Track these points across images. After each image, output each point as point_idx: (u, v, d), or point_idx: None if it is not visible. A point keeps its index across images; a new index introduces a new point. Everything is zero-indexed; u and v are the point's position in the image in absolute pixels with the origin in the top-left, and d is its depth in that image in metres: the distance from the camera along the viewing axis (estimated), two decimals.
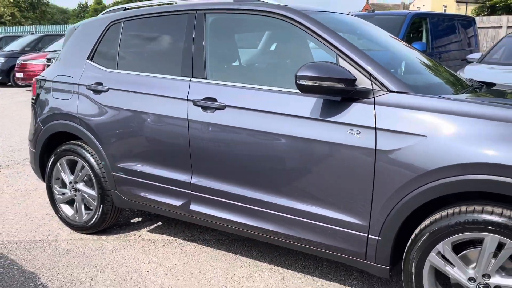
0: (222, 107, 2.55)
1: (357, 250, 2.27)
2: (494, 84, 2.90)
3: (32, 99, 3.59)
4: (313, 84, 2.15)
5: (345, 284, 2.68)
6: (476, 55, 7.09)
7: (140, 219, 3.72)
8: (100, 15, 3.46)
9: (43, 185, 4.50)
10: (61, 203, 3.48)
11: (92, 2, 70.12)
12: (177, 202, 2.82)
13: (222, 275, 2.79)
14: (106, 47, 3.21)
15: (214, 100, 2.59)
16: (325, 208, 2.30)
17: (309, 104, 2.31)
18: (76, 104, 3.18)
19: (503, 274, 1.96)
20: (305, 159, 2.31)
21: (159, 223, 3.61)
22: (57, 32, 21.78)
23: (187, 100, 2.68)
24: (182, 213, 2.85)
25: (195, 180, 2.72)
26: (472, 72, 5.95)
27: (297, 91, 2.28)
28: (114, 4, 66.74)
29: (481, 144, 1.92)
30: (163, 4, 3.10)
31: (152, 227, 3.54)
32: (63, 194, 3.45)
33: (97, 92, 3.09)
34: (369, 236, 2.21)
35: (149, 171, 2.91)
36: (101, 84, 3.08)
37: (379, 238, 2.19)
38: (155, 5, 3.15)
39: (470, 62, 6.93)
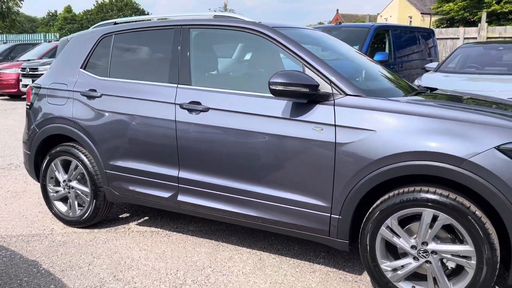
0: (206, 110, 2.95)
1: (322, 228, 2.69)
2: (436, 89, 3.41)
3: (27, 105, 3.89)
4: (283, 89, 2.59)
5: (314, 262, 3.10)
6: (433, 65, 7.73)
7: (128, 214, 4.05)
8: (91, 28, 3.80)
9: (31, 187, 4.78)
10: (55, 200, 3.78)
11: (62, 10, 69.16)
12: (166, 194, 3.19)
13: (206, 258, 3.17)
14: (98, 58, 3.56)
15: (199, 103, 2.98)
16: (296, 194, 2.73)
17: (280, 106, 2.74)
18: (71, 109, 3.51)
19: (438, 241, 2.42)
20: (278, 152, 2.73)
21: (146, 217, 3.95)
22: (29, 41, 21.68)
23: (175, 104, 3.06)
24: (170, 204, 3.22)
25: (182, 174, 3.10)
26: (428, 80, 6.54)
27: (270, 95, 2.71)
28: (85, 13, 66.08)
29: (419, 137, 2.38)
30: (151, 20, 3.48)
31: (140, 220, 3.88)
32: (57, 192, 3.75)
33: (91, 97, 3.43)
34: (332, 215, 2.65)
35: (139, 167, 3.26)
36: (94, 90, 3.43)
37: (340, 217, 2.62)
38: (143, 21, 3.53)
39: (427, 71, 7.56)
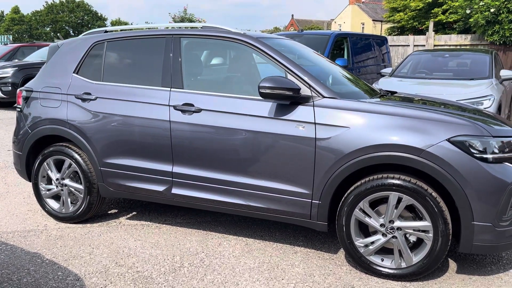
0: (199, 110, 3.30)
1: (304, 213, 3.11)
2: (395, 92, 3.93)
3: (17, 107, 4.06)
4: (270, 92, 2.99)
5: (294, 245, 3.51)
6: (387, 70, 8.40)
7: (116, 210, 4.30)
8: (81, 35, 4.04)
9: (13, 188, 4.90)
10: (47, 198, 3.98)
11: (9, 11, 66.21)
12: (161, 188, 3.50)
13: (198, 245, 3.50)
14: (91, 63, 3.81)
15: (191, 105, 3.32)
16: (281, 183, 3.12)
17: (266, 107, 3.13)
18: (65, 111, 3.74)
19: (402, 219, 2.90)
20: (265, 147, 3.12)
21: (134, 212, 4.22)
22: None
23: (169, 105, 3.39)
24: (164, 197, 3.53)
25: (176, 169, 3.42)
26: (385, 84, 7.16)
27: (257, 97, 3.11)
28: (34, 14, 63.63)
29: (386, 132, 2.85)
30: (142, 29, 3.79)
31: (129, 215, 4.15)
32: (49, 190, 3.95)
33: (85, 100, 3.68)
34: (312, 201, 3.07)
35: (135, 164, 3.55)
36: (89, 94, 3.68)
37: (320, 202, 3.05)
38: (133, 30, 3.82)
39: (383, 76, 8.22)
